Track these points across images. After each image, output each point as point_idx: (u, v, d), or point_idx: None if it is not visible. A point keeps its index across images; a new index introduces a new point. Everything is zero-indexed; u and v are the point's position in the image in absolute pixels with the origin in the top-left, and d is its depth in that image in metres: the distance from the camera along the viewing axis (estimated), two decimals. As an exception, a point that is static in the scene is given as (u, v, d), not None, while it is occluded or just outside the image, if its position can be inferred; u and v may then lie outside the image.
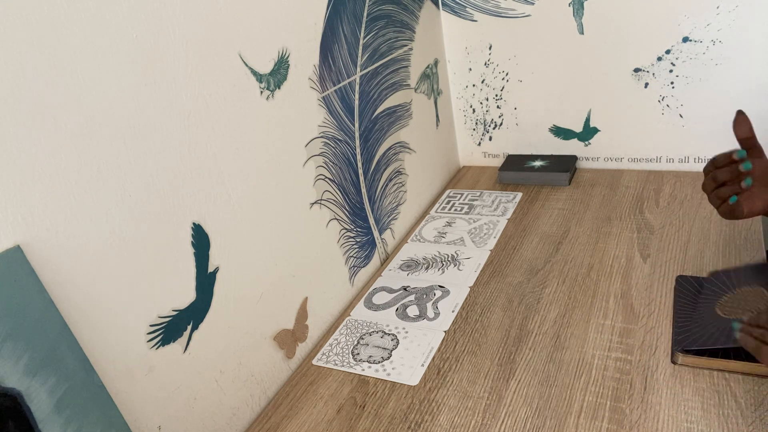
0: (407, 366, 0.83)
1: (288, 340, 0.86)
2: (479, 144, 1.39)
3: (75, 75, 0.54)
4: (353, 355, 0.87)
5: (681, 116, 1.15)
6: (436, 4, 1.25)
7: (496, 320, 0.88)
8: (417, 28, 1.17)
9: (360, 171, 1.01)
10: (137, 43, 0.60)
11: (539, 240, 1.06)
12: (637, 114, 1.19)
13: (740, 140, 0.73)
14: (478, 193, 1.27)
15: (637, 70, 1.15)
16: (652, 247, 0.97)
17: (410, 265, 1.06)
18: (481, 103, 1.33)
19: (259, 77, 0.77)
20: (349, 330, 0.92)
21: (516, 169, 1.28)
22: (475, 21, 1.24)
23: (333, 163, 0.94)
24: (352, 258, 1.01)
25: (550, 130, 1.29)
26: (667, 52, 1.11)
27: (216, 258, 0.72)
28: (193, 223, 0.68)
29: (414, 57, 1.17)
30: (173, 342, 0.67)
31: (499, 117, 1.33)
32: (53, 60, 0.52)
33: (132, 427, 0.61)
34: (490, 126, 1.35)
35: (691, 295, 0.82)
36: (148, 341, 0.64)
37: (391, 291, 1.00)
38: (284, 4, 0.80)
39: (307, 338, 0.91)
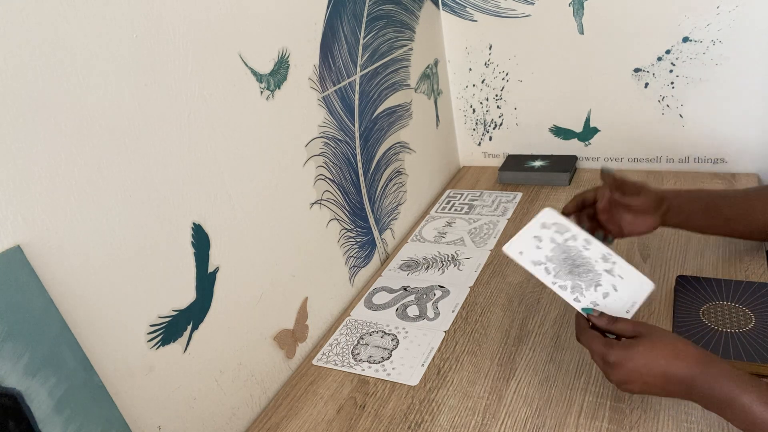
0: (407, 366, 0.83)
1: (288, 340, 0.86)
2: (479, 144, 1.39)
3: (75, 75, 0.54)
4: (353, 355, 0.87)
5: (681, 116, 1.15)
6: (436, 4, 1.25)
7: (496, 320, 0.88)
8: (417, 28, 1.17)
9: (360, 171, 1.01)
10: (137, 43, 0.60)
11: (539, 240, 1.06)
12: (637, 114, 1.19)
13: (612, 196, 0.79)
14: (478, 193, 1.27)
15: (637, 70, 1.15)
16: (652, 247, 0.97)
17: (410, 265, 1.06)
18: (481, 103, 1.33)
19: (259, 77, 0.77)
20: (349, 330, 0.92)
21: (516, 169, 1.28)
22: (475, 21, 1.24)
23: (333, 163, 0.94)
24: (352, 258, 1.01)
25: (550, 130, 1.29)
26: (667, 52, 1.11)
27: (216, 258, 0.72)
28: (193, 223, 0.68)
29: (414, 57, 1.17)
30: (173, 342, 0.67)
31: (499, 117, 1.33)
32: (53, 60, 0.52)
33: (132, 427, 0.61)
34: (490, 126, 1.35)
35: (692, 295, 0.82)
36: (148, 341, 0.64)
37: (391, 291, 1.00)
38: (284, 4, 0.80)
39: (307, 338, 0.91)
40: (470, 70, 1.31)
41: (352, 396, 0.80)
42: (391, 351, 0.86)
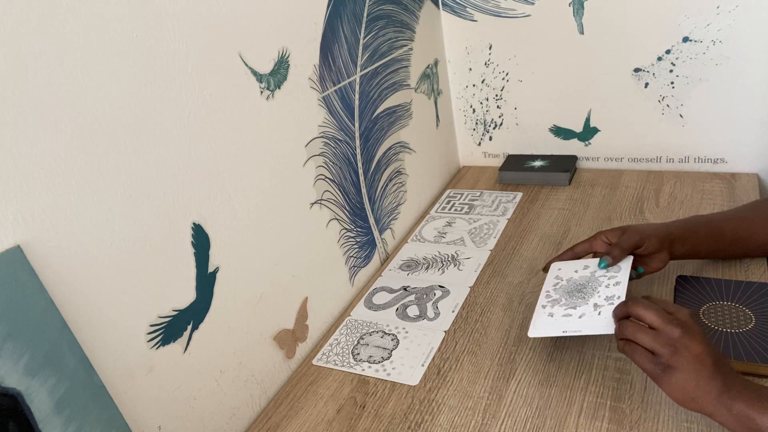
0: (407, 366, 0.83)
1: (288, 340, 0.86)
2: (479, 144, 1.39)
3: (75, 75, 0.54)
4: (353, 355, 0.87)
5: (681, 116, 1.15)
6: (436, 4, 1.25)
7: (496, 320, 0.88)
8: (417, 28, 1.17)
9: (360, 171, 1.01)
10: (137, 43, 0.60)
11: (539, 240, 1.06)
12: (637, 114, 1.19)
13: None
14: (478, 193, 1.27)
15: (637, 70, 1.15)
16: (652, 247, 0.97)
17: (410, 265, 1.06)
18: (481, 103, 1.33)
19: (259, 77, 0.77)
20: (349, 330, 0.92)
21: (516, 169, 1.28)
22: (475, 21, 1.24)
23: (333, 163, 0.94)
24: (352, 258, 1.01)
25: (550, 130, 1.29)
26: (667, 52, 1.11)
27: (216, 258, 0.72)
28: (193, 223, 0.68)
29: (414, 57, 1.17)
30: (173, 342, 0.67)
31: (499, 117, 1.33)
32: (53, 60, 0.52)
33: (132, 427, 0.61)
34: (490, 126, 1.35)
35: (692, 295, 0.82)
36: (148, 341, 0.64)
37: (391, 291, 1.00)
38: (284, 4, 0.80)
39: (307, 338, 0.91)
40: (470, 70, 1.31)
41: (352, 396, 0.80)
42: (391, 351, 0.86)
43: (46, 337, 0.51)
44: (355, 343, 0.89)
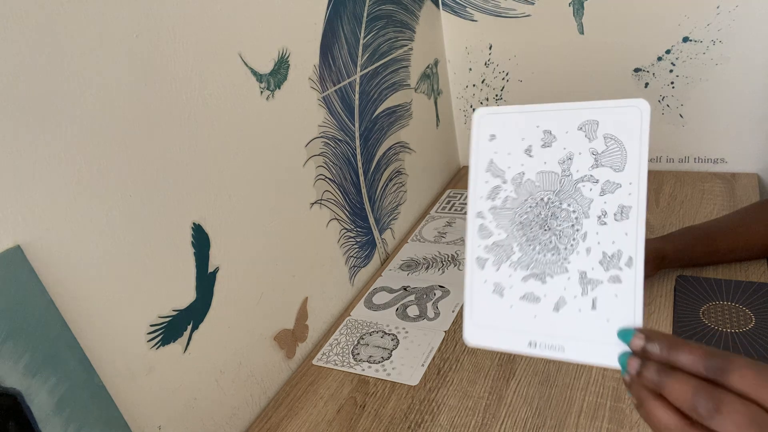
0: (407, 366, 0.83)
1: (288, 340, 0.86)
2: (479, 144, 1.39)
3: (75, 75, 0.54)
4: (353, 355, 0.87)
5: (681, 116, 1.15)
6: (436, 4, 1.25)
7: (496, 320, 0.88)
8: (417, 28, 1.17)
9: (360, 171, 1.01)
10: (137, 43, 0.60)
11: (539, 240, 1.06)
12: (637, 114, 1.19)
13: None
14: (478, 193, 1.27)
15: (637, 70, 1.15)
16: (652, 247, 0.97)
17: (410, 265, 1.06)
18: (481, 102, 1.33)
19: (259, 77, 0.77)
20: (349, 330, 0.92)
21: (516, 169, 1.28)
22: (475, 21, 1.24)
23: (333, 163, 0.94)
24: (352, 258, 1.01)
25: (550, 130, 1.29)
26: (667, 52, 1.11)
27: (216, 258, 0.72)
28: (193, 223, 0.68)
29: (414, 57, 1.17)
30: (173, 342, 0.67)
31: (499, 117, 1.33)
32: (53, 60, 0.52)
33: (132, 427, 0.61)
34: (490, 126, 1.35)
35: (692, 295, 0.82)
36: (148, 341, 0.64)
37: (391, 291, 1.00)
38: (284, 4, 0.80)
39: (307, 338, 0.91)
40: (470, 70, 1.30)
41: (352, 396, 0.80)
42: (391, 351, 0.86)
43: (46, 337, 0.51)
44: (355, 343, 0.89)
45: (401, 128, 1.14)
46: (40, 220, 0.52)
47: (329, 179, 0.93)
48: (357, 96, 0.99)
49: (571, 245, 0.43)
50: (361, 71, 0.99)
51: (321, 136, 0.90)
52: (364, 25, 0.99)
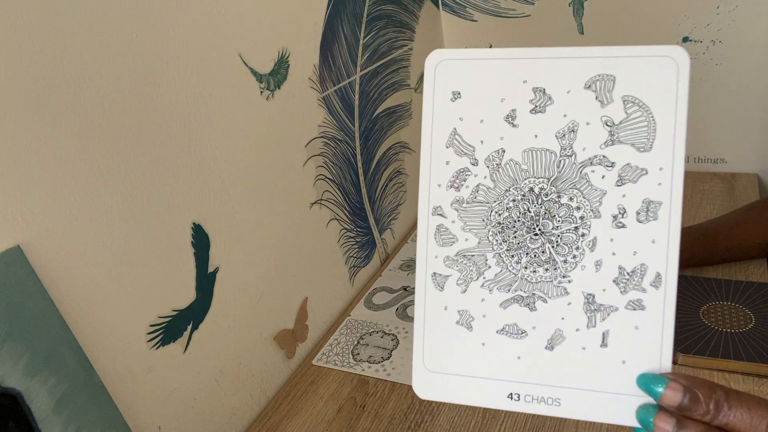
0: (407, 366, 0.83)
1: (288, 340, 0.86)
2: (479, 144, 1.39)
3: (75, 75, 0.54)
4: (353, 355, 0.87)
5: (681, 116, 1.15)
6: (436, 4, 1.25)
7: (496, 320, 0.88)
8: (417, 28, 1.17)
9: (360, 171, 1.01)
10: (137, 43, 0.60)
11: (539, 240, 1.06)
12: (637, 114, 1.19)
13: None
14: (478, 193, 1.27)
15: (637, 70, 1.15)
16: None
17: (410, 265, 1.06)
18: (481, 103, 1.33)
19: (259, 77, 0.77)
20: (349, 330, 0.92)
21: (516, 169, 1.28)
22: (475, 21, 1.24)
23: (333, 163, 0.94)
24: (352, 258, 1.01)
25: (550, 130, 1.29)
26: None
27: (216, 258, 0.72)
28: (193, 223, 0.68)
29: (414, 57, 1.17)
30: (173, 342, 0.67)
31: (499, 117, 1.33)
32: (53, 60, 0.52)
33: (132, 427, 0.61)
34: (490, 126, 1.35)
35: (692, 295, 0.82)
36: (148, 341, 0.64)
37: (391, 291, 1.00)
38: (284, 4, 0.80)
39: (307, 338, 0.91)
40: (470, 70, 1.30)
41: (352, 396, 0.80)
42: (391, 351, 0.86)
43: (46, 337, 0.51)
44: (355, 343, 0.89)
45: (401, 128, 1.14)
46: (40, 220, 0.52)
47: (329, 179, 0.93)
48: (357, 96, 0.99)
49: (574, 257, 0.31)
50: (361, 71, 0.99)
51: (321, 136, 0.90)
52: (364, 25, 0.99)
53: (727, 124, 1.13)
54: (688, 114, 0.29)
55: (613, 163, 0.30)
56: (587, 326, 0.31)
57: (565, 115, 0.31)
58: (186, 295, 0.68)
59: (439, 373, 0.32)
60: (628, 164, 0.30)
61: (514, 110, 0.32)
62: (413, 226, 1.19)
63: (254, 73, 0.76)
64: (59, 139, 0.53)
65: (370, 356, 0.86)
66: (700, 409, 0.28)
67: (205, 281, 0.70)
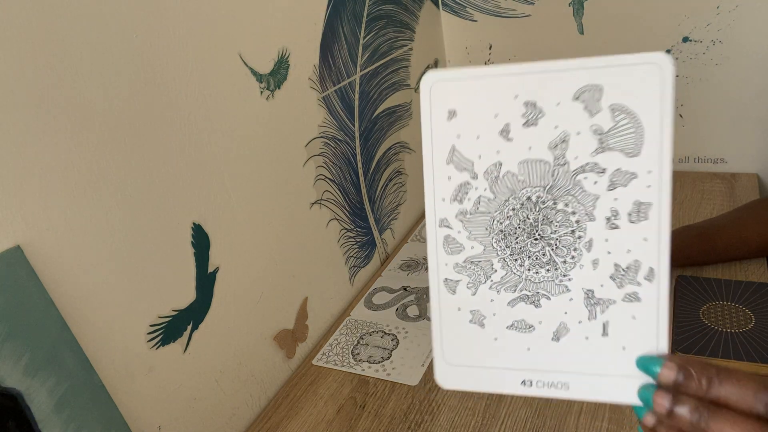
0: (407, 366, 0.83)
1: (288, 340, 0.86)
2: (479, 144, 1.39)
3: (75, 75, 0.54)
4: (353, 355, 0.87)
5: (681, 116, 1.15)
6: (436, 4, 1.25)
7: (496, 320, 0.88)
8: (417, 28, 1.17)
9: (360, 171, 1.01)
10: (137, 43, 0.60)
11: (539, 240, 1.06)
12: (637, 114, 1.19)
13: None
14: (478, 193, 1.27)
15: (637, 70, 1.15)
16: (652, 247, 0.97)
17: (410, 265, 1.06)
18: (481, 103, 1.33)
19: (259, 77, 0.77)
20: (349, 330, 0.92)
21: (516, 169, 1.28)
22: (475, 21, 1.24)
23: (333, 163, 0.94)
24: (352, 258, 1.01)
25: (550, 130, 1.29)
26: (667, 51, 1.11)
27: (216, 258, 0.72)
28: (193, 223, 0.68)
29: (414, 57, 1.17)
30: (173, 342, 0.67)
31: (499, 117, 1.33)
32: (53, 60, 0.52)
33: (132, 427, 0.61)
34: (490, 126, 1.35)
35: (692, 295, 0.82)
36: (148, 341, 0.64)
37: (391, 291, 1.00)
38: (284, 4, 0.80)
39: (307, 338, 0.91)
40: (470, 70, 1.30)
41: (352, 396, 0.80)
42: (391, 351, 0.86)
43: (46, 337, 0.51)
44: (355, 343, 0.89)
45: (401, 128, 1.14)
46: (40, 220, 0.52)
47: (329, 179, 0.93)
48: (357, 96, 0.99)
49: (572, 258, 0.34)
50: (361, 71, 0.99)
51: (321, 136, 0.90)
52: (364, 25, 0.99)
53: (727, 124, 1.13)
54: (674, 117, 0.32)
55: (604, 169, 0.33)
56: (588, 318, 0.34)
57: (556, 127, 0.33)
58: (186, 295, 0.68)
59: (459, 365, 0.36)
60: (618, 169, 0.33)
61: (507, 125, 0.34)
62: (413, 226, 1.19)
63: (254, 73, 0.76)
64: (59, 140, 0.53)
65: (370, 356, 0.86)
66: (693, 385, 0.30)
67: (205, 281, 0.70)
